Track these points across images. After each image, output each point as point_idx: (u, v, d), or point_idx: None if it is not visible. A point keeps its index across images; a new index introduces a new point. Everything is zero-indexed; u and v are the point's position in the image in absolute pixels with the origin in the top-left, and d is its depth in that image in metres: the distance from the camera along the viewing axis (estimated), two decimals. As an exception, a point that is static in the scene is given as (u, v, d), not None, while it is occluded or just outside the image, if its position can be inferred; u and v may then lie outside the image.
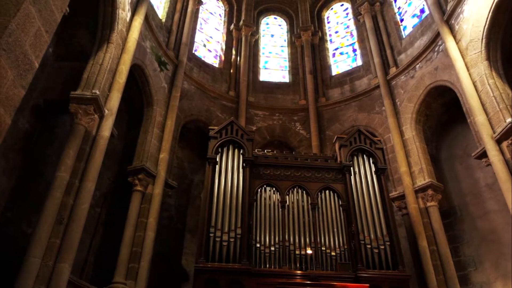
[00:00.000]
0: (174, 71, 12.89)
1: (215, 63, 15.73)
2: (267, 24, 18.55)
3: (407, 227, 10.91)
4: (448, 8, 11.39)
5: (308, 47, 16.46)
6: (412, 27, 13.91)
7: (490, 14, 9.53)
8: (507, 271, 9.86)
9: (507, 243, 10.06)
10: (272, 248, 8.23)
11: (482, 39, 9.78)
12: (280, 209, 8.80)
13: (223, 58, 16.07)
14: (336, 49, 16.97)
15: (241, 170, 9.14)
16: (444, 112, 12.62)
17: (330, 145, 13.87)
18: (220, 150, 9.42)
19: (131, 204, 9.96)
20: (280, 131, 14.58)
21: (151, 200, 10.18)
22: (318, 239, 8.51)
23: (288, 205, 8.86)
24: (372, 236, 8.55)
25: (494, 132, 9.03)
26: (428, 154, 11.78)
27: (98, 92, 7.97)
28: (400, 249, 8.53)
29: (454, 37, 10.92)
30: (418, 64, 12.65)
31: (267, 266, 8.09)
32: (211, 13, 17.07)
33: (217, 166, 9.18)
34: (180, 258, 12.35)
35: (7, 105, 3.75)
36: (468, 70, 10.12)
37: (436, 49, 11.97)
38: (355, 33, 16.61)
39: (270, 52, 17.50)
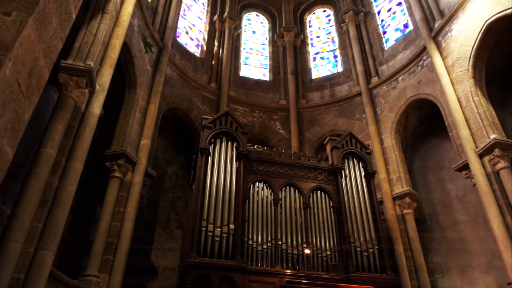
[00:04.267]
0: (159, 55, 12.18)
1: (197, 52, 15.15)
2: (249, 20, 18.28)
3: (383, 233, 11.14)
4: (436, 26, 11.89)
5: (291, 47, 16.44)
6: (395, 40, 14.37)
7: (479, 35, 10.06)
8: (473, 279, 10.44)
9: (474, 253, 10.66)
10: (265, 246, 7.96)
11: (470, 58, 10.29)
12: (273, 207, 8.54)
13: (205, 48, 15.52)
14: (317, 53, 17.11)
15: (234, 163, 8.78)
16: (420, 124, 13.15)
17: (309, 147, 13.93)
18: (213, 141, 8.97)
19: (108, 191, 9.17)
20: (260, 129, 14.37)
21: (130, 189, 9.47)
22: (310, 240, 8.38)
23: (281, 203, 8.63)
24: (361, 239, 8.61)
25: (476, 147, 9.49)
26: (405, 163, 12.19)
27: (92, 64, 7.21)
28: (388, 254, 8.66)
29: (441, 53, 11.40)
30: (400, 76, 13.08)
31: (259, 264, 7.80)
32: (194, 0, 16.44)
33: (209, 157, 8.72)
34: (149, 252, 11.64)
35: (48, 57, 3.16)
36: (453, 86, 10.60)
37: (420, 63, 12.45)
38: (336, 39, 16.86)
39: (251, 49, 17.24)
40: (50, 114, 7.11)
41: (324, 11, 18.17)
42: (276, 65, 16.53)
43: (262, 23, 18.31)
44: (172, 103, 12.54)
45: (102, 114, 8.36)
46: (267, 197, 8.66)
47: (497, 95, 10.32)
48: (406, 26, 14.26)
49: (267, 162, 9.13)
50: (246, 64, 16.54)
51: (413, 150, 13.38)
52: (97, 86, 7.61)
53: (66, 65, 7.02)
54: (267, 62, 16.81)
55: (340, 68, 15.82)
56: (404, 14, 14.50)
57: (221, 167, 8.65)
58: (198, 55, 15.11)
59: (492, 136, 9.11)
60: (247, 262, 7.70)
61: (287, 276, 7.74)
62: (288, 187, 8.94)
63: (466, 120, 9.96)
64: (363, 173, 9.65)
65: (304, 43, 17.23)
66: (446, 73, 10.89)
